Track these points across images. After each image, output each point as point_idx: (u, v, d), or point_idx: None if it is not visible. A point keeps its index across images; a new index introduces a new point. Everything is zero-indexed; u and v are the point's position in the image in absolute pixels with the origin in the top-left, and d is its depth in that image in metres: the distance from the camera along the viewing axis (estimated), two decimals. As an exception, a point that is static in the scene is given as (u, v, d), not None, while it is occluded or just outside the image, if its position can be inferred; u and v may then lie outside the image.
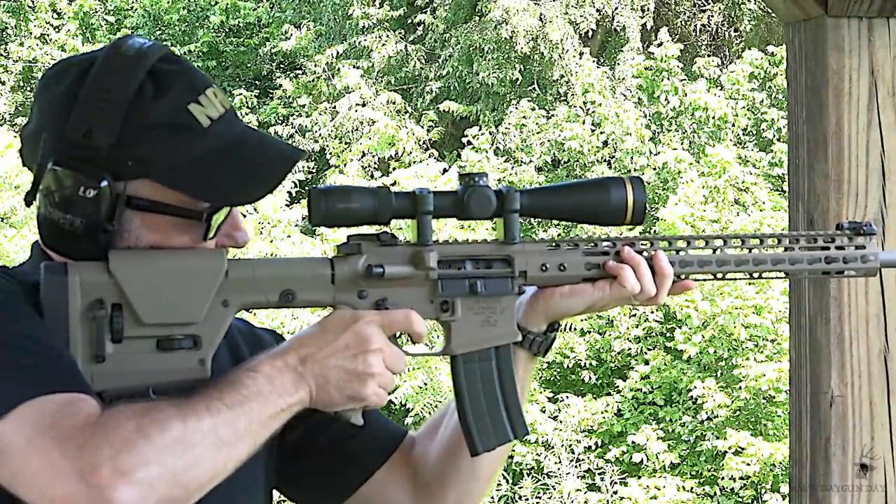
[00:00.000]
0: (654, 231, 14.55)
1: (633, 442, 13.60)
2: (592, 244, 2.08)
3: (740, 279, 2.17)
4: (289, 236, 14.33)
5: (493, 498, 13.33)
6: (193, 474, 1.71)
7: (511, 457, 13.55)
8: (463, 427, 2.06)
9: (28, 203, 1.92)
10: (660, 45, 17.33)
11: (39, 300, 1.85)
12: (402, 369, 1.96)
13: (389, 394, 1.94)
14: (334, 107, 18.24)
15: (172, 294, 1.88)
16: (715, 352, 13.86)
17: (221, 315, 1.92)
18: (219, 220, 1.93)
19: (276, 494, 2.17)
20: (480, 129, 17.13)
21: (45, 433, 1.67)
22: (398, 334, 1.97)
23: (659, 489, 13.01)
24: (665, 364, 14.14)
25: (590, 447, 13.86)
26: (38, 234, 1.93)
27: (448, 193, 2.01)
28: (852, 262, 2.17)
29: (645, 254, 2.09)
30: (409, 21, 19.65)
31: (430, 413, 12.95)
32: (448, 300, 2.02)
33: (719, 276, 2.14)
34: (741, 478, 13.19)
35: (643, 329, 14.64)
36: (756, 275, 2.15)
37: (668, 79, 17.06)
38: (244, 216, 13.89)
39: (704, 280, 2.14)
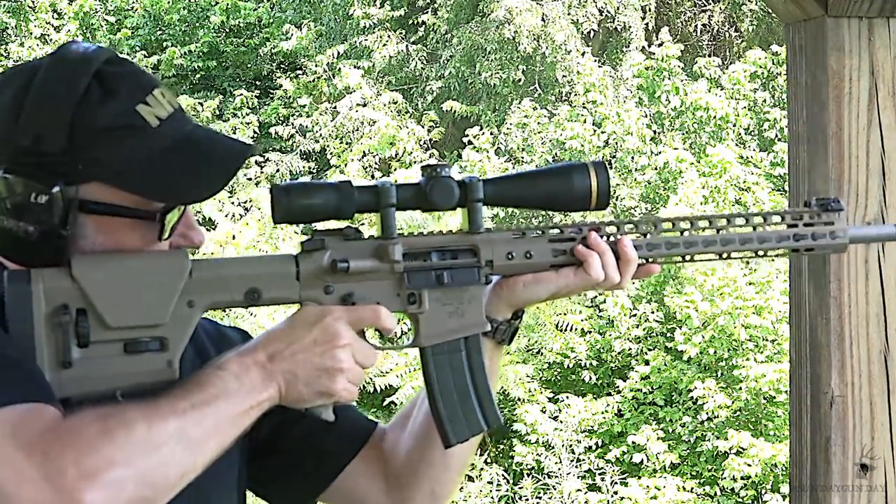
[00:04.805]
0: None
1: (633, 442, 13.58)
2: (558, 231, 2.07)
3: (709, 260, 2.15)
4: (289, 237, 14.32)
5: (493, 498, 13.32)
6: (162, 474, 1.71)
7: (511, 457, 13.54)
8: (435, 419, 2.05)
9: None
10: (661, 45, 17.33)
11: None
12: (372, 364, 1.96)
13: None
14: (335, 107, 18.23)
15: (137, 296, 1.88)
16: (715, 352, 13.85)
17: (187, 316, 1.91)
18: (172, 220, 1.93)
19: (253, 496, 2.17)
20: (481, 129, 17.12)
21: (9, 442, 1.67)
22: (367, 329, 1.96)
23: (659, 489, 13.00)
24: (665, 364, 14.13)
25: (590, 447, 13.84)
26: None
27: (410, 185, 2.00)
28: (821, 238, 2.15)
29: (612, 239, 2.07)
30: (411, 21, 19.65)
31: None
32: (415, 292, 2.00)
33: (688, 258, 2.12)
34: (742, 478, 13.18)
35: (643, 329, 14.63)
36: (725, 255, 2.13)
37: (669, 79, 17.05)
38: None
39: (673, 263, 2.12)
